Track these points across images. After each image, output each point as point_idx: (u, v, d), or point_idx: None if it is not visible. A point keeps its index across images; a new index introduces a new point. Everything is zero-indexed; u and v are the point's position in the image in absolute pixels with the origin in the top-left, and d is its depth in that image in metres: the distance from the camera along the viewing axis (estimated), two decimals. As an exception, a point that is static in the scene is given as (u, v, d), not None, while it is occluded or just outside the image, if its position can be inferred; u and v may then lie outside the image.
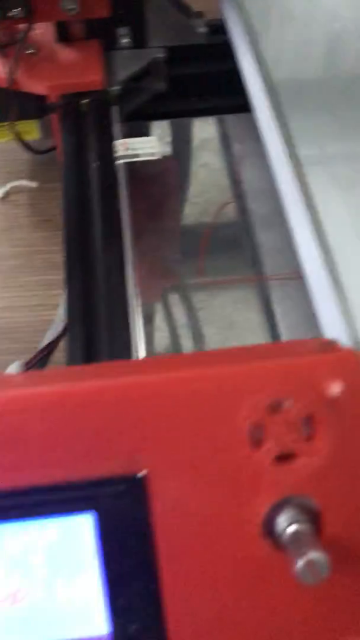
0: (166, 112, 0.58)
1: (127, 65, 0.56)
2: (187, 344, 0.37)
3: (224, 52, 0.56)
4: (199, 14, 0.61)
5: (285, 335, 0.37)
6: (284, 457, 0.22)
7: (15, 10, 0.53)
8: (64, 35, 0.57)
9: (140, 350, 0.36)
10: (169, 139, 0.52)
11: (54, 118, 0.56)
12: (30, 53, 0.55)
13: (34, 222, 0.63)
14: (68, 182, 0.47)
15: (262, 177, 0.46)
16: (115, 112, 0.52)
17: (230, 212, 0.44)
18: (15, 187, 0.65)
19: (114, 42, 0.57)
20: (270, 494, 0.22)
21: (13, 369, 0.37)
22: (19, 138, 0.58)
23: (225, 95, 0.58)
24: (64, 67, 0.55)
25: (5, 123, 0.59)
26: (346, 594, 0.22)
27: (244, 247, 0.42)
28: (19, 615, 0.22)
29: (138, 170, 0.47)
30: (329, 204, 0.33)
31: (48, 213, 0.63)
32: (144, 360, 0.32)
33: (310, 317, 0.35)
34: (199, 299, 0.39)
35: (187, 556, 0.22)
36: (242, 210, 0.44)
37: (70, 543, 0.22)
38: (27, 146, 0.59)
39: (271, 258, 0.41)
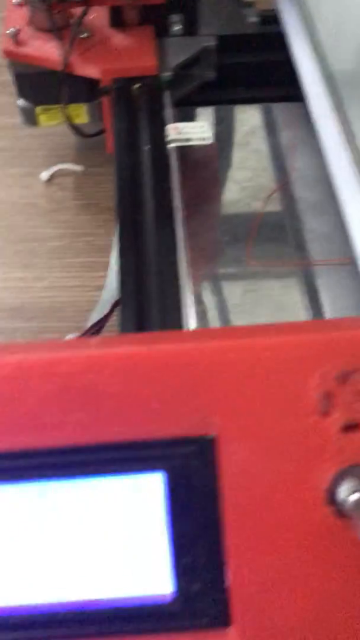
0: (214, 100, 0.58)
1: (179, 52, 0.57)
2: (237, 323, 0.38)
3: (275, 42, 0.56)
4: (250, 4, 0.61)
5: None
6: (351, 427, 0.22)
7: (72, -6, 0.54)
8: (118, 20, 0.57)
9: (192, 328, 0.36)
10: (215, 125, 0.52)
11: (104, 102, 0.56)
12: (85, 37, 0.56)
13: (78, 206, 0.64)
14: (120, 163, 0.47)
15: (311, 165, 0.46)
16: (166, 97, 0.52)
17: (280, 197, 0.44)
18: (61, 170, 0.66)
19: (167, 29, 0.58)
20: (336, 462, 0.22)
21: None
22: (69, 121, 0.59)
23: (272, 85, 0.58)
24: (117, 52, 0.55)
25: (56, 106, 0.60)
26: None
27: (293, 232, 0.42)
28: (87, 570, 0.23)
29: (188, 154, 0.47)
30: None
31: (92, 197, 0.64)
32: (219, 329, 0.33)
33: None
34: (248, 281, 0.40)
35: (251, 519, 0.23)
36: (292, 196, 0.44)
37: (140, 501, 0.23)
38: (76, 129, 0.60)
39: (320, 244, 0.41)
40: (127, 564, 0.23)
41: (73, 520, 0.23)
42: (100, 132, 0.63)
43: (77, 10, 0.56)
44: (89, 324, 0.48)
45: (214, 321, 0.39)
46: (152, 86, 0.54)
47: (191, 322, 0.37)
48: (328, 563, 0.23)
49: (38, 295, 0.56)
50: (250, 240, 0.41)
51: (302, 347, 0.22)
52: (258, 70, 0.59)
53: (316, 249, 0.42)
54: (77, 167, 0.66)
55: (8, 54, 0.57)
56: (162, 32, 0.58)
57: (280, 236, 0.42)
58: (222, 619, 0.23)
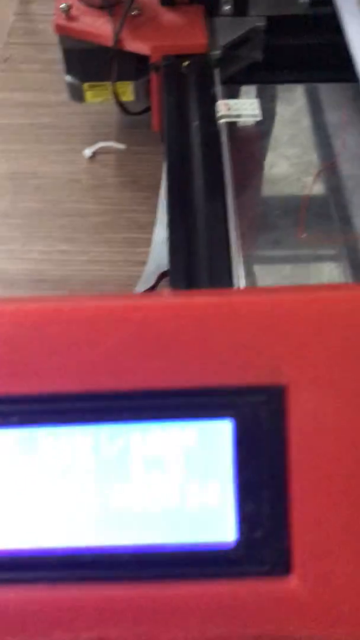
0: (260, 81, 0.58)
1: (228, 32, 0.57)
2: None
3: (324, 24, 0.56)
4: (301, -15, 0.61)
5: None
6: None
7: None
8: (169, -1, 0.58)
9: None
10: (263, 103, 0.52)
11: (152, 79, 0.57)
12: (135, 14, 0.57)
13: (120, 182, 0.64)
14: (170, 138, 0.48)
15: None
16: (215, 75, 0.53)
17: (330, 174, 0.45)
18: (103, 148, 0.67)
19: (216, 8, 0.58)
20: None
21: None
22: (116, 98, 0.59)
23: (318, 68, 0.58)
24: (167, 30, 0.56)
25: (103, 83, 0.60)
26: None
27: (342, 207, 0.43)
28: (152, 515, 0.24)
29: (238, 130, 0.48)
30: None
31: (134, 174, 0.65)
32: (292, 286, 0.33)
33: None
34: (299, 254, 0.40)
35: (318, 469, 0.23)
36: (341, 173, 0.45)
37: (208, 448, 0.23)
38: (122, 107, 0.61)
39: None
40: (193, 510, 0.24)
41: (141, 464, 0.23)
42: (145, 110, 0.63)
43: (129, -12, 0.57)
44: (134, 295, 0.48)
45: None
46: (201, 64, 0.54)
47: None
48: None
49: (81, 268, 0.57)
50: (301, 214, 0.41)
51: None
52: (305, 52, 0.59)
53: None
54: (120, 145, 0.67)
55: (60, 28, 0.57)
56: (212, 11, 0.58)
57: (330, 211, 0.43)
58: (283, 567, 0.24)
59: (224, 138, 0.47)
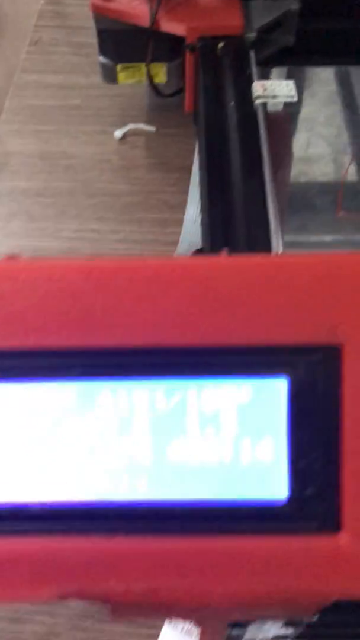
0: (294, 63, 0.59)
1: (262, 14, 0.58)
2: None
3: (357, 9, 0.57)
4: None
5: None
6: None
7: None
8: (204, -20, 0.58)
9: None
10: (299, 84, 0.53)
11: (187, 60, 0.57)
12: (171, -5, 0.57)
13: (150, 164, 0.65)
14: (207, 117, 0.48)
15: None
16: (251, 56, 0.53)
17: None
18: (133, 130, 0.67)
19: (251, -10, 0.58)
20: None
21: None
22: (150, 80, 0.60)
23: (350, 54, 0.59)
24: (203, 11, 0.56)
25: (137, 64, 0.61)
26: None
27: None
28: (206, 470, 0.24)
29: (273, 110, 0.48)
30: None
31: (164, 156, 0.65)
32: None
33: None
34: (337, 232, 0.41)
35: (370, 429, 0.24)
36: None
37: (262, 405, 0.24)
38: (156, 89, 0.61)
39: None
40: (245, 467, 0.24)
41: (195, 419, 0.24)
42: (177, 92, 0.64)
43: (165, -31, 0.57)
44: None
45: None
46: (237, 46, 0.54)
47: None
48: None
49: (112, 247, 0.58)
50: (339, 193, 0.41)
51: None
52: (338, 37, 0.60)
53: None
54: (150, 128, 0.67)
55: (96, 7, 0.58)
56: (246, -6, 0.58)
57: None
58: (333, 524, 0.24)
59: (261, 118, 0.47)
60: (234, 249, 0.39)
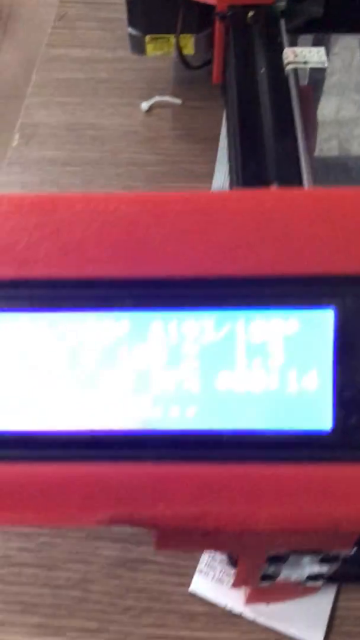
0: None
1: (291, -16, 0.58)
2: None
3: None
4: None
5: None
6: None
7: None
8: None
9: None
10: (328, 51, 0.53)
11: (217, 30, 0.58)
12: (200, -35, 0.57)
13: (176, 135, 0.65)
14: (239, 84, 0.49)
15: None
16: (282, 24, 0.54)
17: None
18: (159, 102, 0.68)
19: None
20: None
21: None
22: (179, 51, 0.60)
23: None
24: (233, -20, 0.57)
25: (165, 35, 0.61)
26: None
27: None
28: (253, 400, 0.25)
29: (304, 76, 0.48)
30: None
31: (190, 127, 0.66)
32: None
33: None
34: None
35: None
36: None
37: (308, 336, 0.25)
38: (184, 60, 0.62)
39: None
40: (291, 397, 0.25)
41: (247, 350, 0.25)
42: (204, 64, 0.64)
43: None
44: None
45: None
46: (267, 15, 0.55)
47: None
48: None
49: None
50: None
51: None
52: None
53: None
54: (176, 100, 0.68)
55: (126, -23, 0.58)
56: None
57: None
58: (376, 453, 0.25)
59: (292, 83, 0.48)
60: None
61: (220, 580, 0.39)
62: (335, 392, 0.25)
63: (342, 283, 0.24)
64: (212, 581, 0.39)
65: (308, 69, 0.48)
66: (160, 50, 0.63)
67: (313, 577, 0.32)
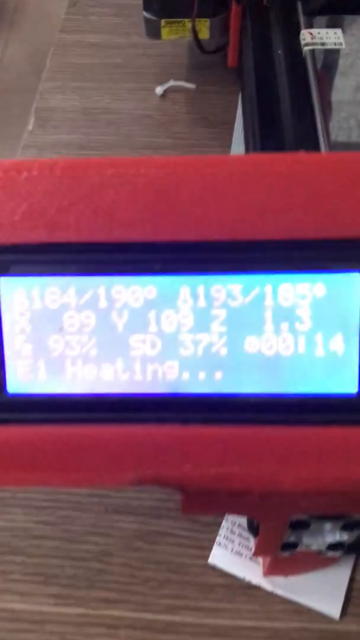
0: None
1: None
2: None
3: None
4: None
5: None
6: None
7: None
8: None
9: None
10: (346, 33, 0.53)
11: (233, 12, 0.58)
12: None
13: (191, 119, 0.66)
14: (256, 65, 0.49)
15: None
16: (299, 6, 0.54)
17: None
18: (174, 87, 0.68)
19: None
20: None
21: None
22: (195, 35, 0.61)
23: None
24: None
25: (180, 20, 0.61)
26: None
27: None
28: (279, 364, 0.25)
29: (321, 57, 0.49)
30: None
31: (204, 112, 0.66)
32: None
33: None
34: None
35: None
36: None
37: (336, 301, 0.25)
38: (199, 44, 0.62)
39: None
40: (318, 361, 0.25)
41: (275, 314, 0.25)
42: (219, 49, 0.65)
43: None
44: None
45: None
46: (283, -2, 0.55)
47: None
48: None
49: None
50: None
51: None
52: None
53: None
54: (190, 85, 0.68)
55: None
56: None
57: None
58: None
59: (310, 64, 0.48)
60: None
61: (238, 553, 0.39)
62: (361, 357, 0.25)
63: (369, 247, 0.24)
64: (230, 553, 0.39)
65: (323, 53, 0.49)
66: (176, 35, 0.63)
67: (333, 546, 0.33)
